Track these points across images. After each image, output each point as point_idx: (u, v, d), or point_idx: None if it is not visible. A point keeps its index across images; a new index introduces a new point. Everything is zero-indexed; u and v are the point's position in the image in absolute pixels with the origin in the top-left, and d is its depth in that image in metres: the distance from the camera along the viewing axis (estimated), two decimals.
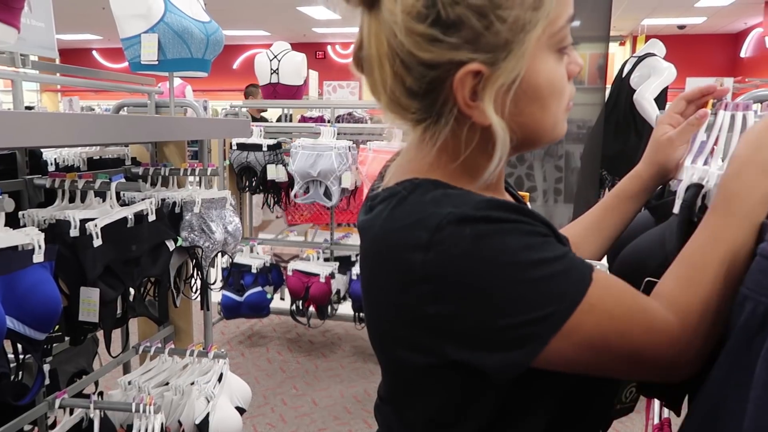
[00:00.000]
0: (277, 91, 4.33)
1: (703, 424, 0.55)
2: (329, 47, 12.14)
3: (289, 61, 4.32)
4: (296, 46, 4.52)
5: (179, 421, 1.70)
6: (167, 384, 1.78)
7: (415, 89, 0.59)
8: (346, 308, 3.44)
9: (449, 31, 0.55)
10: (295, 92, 4.36)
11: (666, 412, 1.08)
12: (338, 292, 3.33)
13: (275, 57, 4.31)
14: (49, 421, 1.68)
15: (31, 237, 1.23)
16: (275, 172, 3.35)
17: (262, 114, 5.14)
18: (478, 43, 0.56)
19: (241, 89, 6.06)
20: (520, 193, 0.76)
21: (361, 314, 3.30)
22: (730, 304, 0.56)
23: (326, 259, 3.46)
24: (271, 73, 4.33)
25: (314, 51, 11.60)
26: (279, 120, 5.33)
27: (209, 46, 1.92)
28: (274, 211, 3.73)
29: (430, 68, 0.57)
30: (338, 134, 3.16)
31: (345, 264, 3.45)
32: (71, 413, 1.61)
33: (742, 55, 10.51)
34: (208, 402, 1.71)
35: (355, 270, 3.36)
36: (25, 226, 1.41)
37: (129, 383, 1.75)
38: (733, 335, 0.53)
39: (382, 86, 0.61)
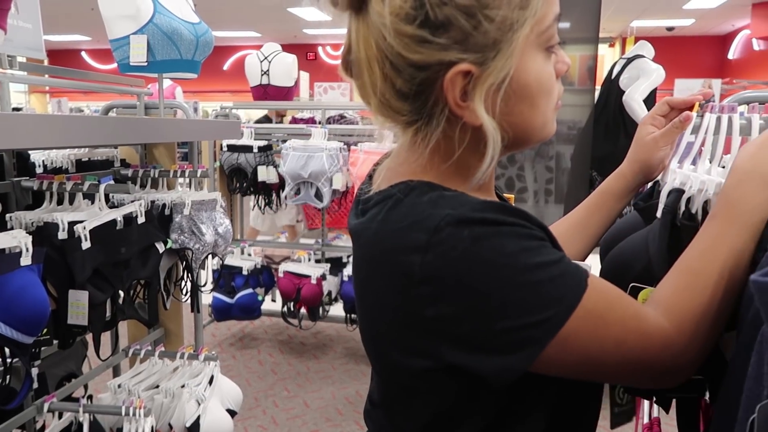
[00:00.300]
0: (267, 92, 4.32)
1: (726, 417, 0.55)
2: (320, 48, 12.13)
3: (280, 63, 4.31)
4: (287, 48, 4.51)
5: (170, 424, 1.69)
6: (157, 387, 1.77)
7: (405, 91, 0.59)
8: (337, 310, 3.44)
9: (438, 31, 0.56)
10: (285, 93, 4.35)
11: (656, 411, 1.08)
12: (329, 293, 3.33)
13: (266, 58, 4.30)
14: (38, 425, 1.67)
15: (18, 240, 1.22)
16: (266, 174, 3.34)
17: (283, 117, 5.02)
18: (467, 43, 0.56)
19: (232, 90, 6.03)
20: (506, 195, 0.77)
21: (353, 315, 3.30)
22: (729, 310, 0.56)
23: (317, 261, 3.45)
24: (262, 75, 4.32)
25: (305, 52, 11.58)
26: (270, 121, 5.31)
27: (199, 48, 1.91)
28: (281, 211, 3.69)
29: (420, 69, 0.57)
30: (329, 136, 3.15)
31: (336, 265, 3.44)
32: (60, 417, 1.60)
33: (730, 56, 10.61)
34: (199, 405, 1.71)
35: (347, 271, 3.36)
36: (12, 228, 1.39)
37: (119, 386, 1.74)
38: (744, 330, 0.53)
39: (371, 89, 0.60)
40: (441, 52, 0.56)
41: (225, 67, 12.23)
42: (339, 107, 4.28)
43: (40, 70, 2.22)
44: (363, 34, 0.58)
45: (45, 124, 1.11)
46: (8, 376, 1.29)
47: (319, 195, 3.11)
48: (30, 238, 1.24)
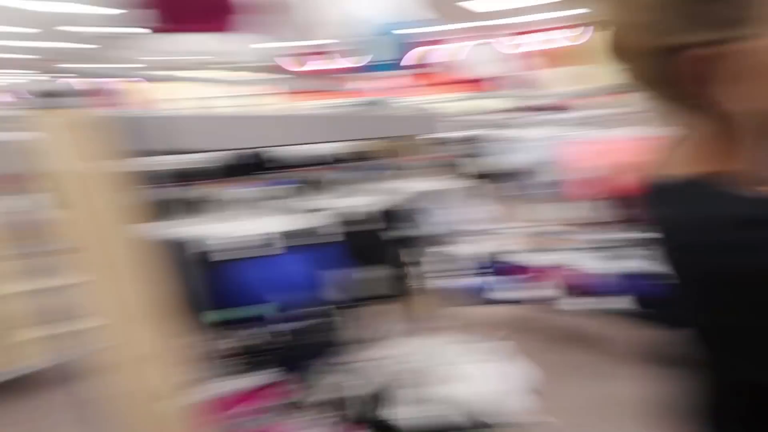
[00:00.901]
0: (475, 81, 4.31)
1: None
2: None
3: (483, 52, 4.27)
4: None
5: None
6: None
7: None
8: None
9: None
10: (492, 81, 4.31)
11: None
12: None
13: (473, 49, 4.29)
14: None
15: None
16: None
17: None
18: None
19: (435, 83, 6.07)
20: None
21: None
22: None
23: None
24: (468, 65, 4.33)
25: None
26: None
27: (397, 47, 1.94)
28: None
29: None
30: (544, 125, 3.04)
31: None
32: None
33: None
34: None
35: None
36: None
37: None
38: None
39: None
40: None
41: (423, 61, 12.48)
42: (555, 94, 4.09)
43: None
44: None
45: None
46: None
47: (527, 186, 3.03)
48: None
